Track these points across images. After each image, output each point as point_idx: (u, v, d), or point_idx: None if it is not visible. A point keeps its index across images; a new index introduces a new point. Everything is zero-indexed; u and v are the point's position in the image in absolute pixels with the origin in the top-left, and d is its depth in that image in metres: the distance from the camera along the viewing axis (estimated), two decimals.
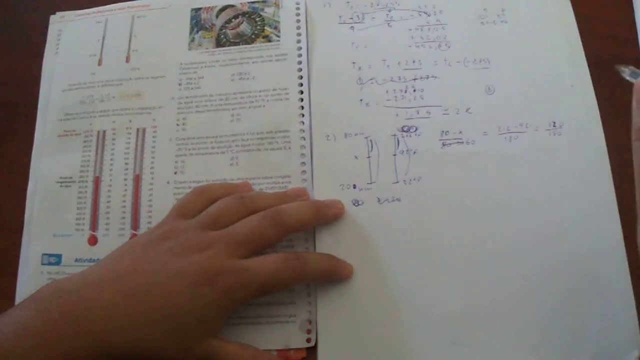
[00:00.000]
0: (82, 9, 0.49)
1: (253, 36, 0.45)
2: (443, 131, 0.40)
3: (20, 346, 0.30)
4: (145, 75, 0.45)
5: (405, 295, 0.37)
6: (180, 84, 0.44)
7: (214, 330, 0.34)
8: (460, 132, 0.40)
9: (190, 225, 0.36)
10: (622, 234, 0.36)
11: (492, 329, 0.36)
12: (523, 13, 0.43)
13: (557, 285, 0.36)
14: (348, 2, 0.45)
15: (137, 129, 0.44)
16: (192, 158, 0.42)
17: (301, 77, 0.43)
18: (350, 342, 0.37)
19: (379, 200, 0.39)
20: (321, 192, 0.40)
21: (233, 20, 0.46)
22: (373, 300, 0.37)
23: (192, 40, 0.46)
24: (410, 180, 0.39)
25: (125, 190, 0.42)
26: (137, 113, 0.44)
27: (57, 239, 0.42)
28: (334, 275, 0.37)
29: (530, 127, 0.39)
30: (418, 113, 0.41)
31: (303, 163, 0.41)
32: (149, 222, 0.41)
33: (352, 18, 0.44)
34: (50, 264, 0.41)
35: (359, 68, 0.43)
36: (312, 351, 0.37)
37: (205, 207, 0.37)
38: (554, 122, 0.39)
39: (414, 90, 0.41)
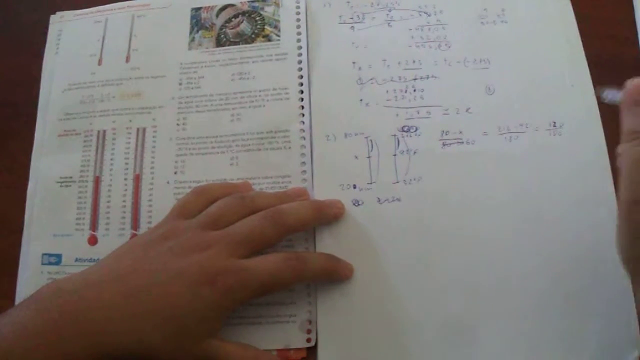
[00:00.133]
0: (82, 8, 0.48)
1: (253, 35, 0.45)
2: (443, 131, 0.40)
3: (20, 346, 0.30)
4: (145, 75, 0.45)
5: (406, 295, 0.37)
6: (180, 84, 0.44)
7: (214, 330, 0.34)
8: (461, 132, 0.40)
9: (191, 225, 0.36)
10: None
11: (492, 329, 0.36)
12: (523, 13, 0.42)
13: (557, 285, 0.36)
14: (348, 2, 0.45)
15: (137, 129, 0.44)
16: (192, 158, 0.42)
17: (301, 77, 0.43)
18: (350, 342, 0.37)
19: (379, 200, 0.39)
20: (321, 192, 0.40)
21: (233, 19, 0.46)
22: (373, 300, 0.37)
23: (192, 39, 0.46)
24: (411, 180, 0.39)
25: (126, 190, 0.42)
26: (137, 113, 0.44)
27: (57, 239, 0.42)
28: (334, 275, 0.37)
29: (530, 127, 0.39)
30: (418, 113, 0.41)
31: (303, 163, 0.41)
32: (149, 222, 0.41)
33: (352, 18, 0.44)
34: (50, 263, 0.41)
35: (359, 68, 0.43)
36: (312, 351, 0.37)
37: (205, 207, 0.37)
38: (554, 122, 0.39)
39: (414, 90, 0.41)
